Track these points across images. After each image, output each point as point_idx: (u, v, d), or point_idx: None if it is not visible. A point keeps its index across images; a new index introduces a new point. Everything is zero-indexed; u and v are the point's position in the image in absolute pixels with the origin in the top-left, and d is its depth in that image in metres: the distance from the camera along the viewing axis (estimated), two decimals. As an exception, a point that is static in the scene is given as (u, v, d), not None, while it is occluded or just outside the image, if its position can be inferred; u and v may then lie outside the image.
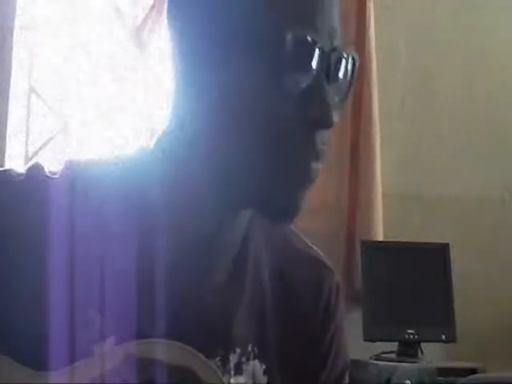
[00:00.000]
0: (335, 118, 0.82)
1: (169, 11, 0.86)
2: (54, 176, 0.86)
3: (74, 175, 0.86)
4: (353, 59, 0.85)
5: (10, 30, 2.84)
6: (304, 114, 0.81)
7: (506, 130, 3.48)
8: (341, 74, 0.84)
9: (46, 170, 0.86)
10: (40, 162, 0.88)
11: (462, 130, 3.44)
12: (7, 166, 2.81)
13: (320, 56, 0.81)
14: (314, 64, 0.80)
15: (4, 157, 2.87)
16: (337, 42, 0.84)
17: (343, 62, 0.84)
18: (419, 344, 2.99)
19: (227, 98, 0.82)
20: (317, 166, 0.83)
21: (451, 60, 3.45)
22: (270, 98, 0.81)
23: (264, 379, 0.90)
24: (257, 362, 0.90)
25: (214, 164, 0.84)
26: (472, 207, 3.40)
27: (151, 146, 0.88)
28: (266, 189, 0.83)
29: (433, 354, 3.04)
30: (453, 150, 3.43)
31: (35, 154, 3.05)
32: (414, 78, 3.41)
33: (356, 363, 2.81)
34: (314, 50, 0.80)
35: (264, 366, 0.90)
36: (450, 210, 3.37)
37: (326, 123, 0.82)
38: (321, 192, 3.21)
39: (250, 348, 0.89)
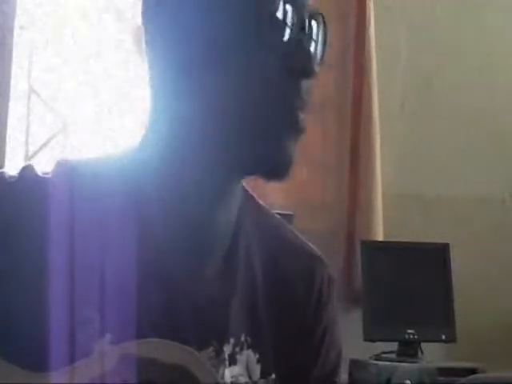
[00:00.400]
0: (316, 68, 0.86)
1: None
2: (46, 176, 0.86)
3: (65, 174, 0.87)
4: (323, 19, 0.90)
5: (10, 30, 2.84)
6: (288, 65, 0.85)
7: (506, 130, 3.48)
8: (315, 30, 0.89)
9: (39, 170, 0.87)
10: (36, 162, 0.88)
11: (462, 130, 3.44)
12: (7, 165, 2.81)
13: (297, 10, 0.86)
14: (292, 17, 0.85)
15: (4, 157, 2.87)
16: (308, 3, 0.89)
17: (315, 19, 0.89)
18: (419, 344, 2.99)
19: (213, 69, 0.85)
20: (303, 117, 0.87)
21: (451, 60, 3.45)
22: (255, 56, 0.84)
23: (257, 368, 0.91)
24: (250, 351, 0.90)
25: (203, 143, 0.86)
26: (472, 207, 3.40)
27: (139, 142, 0.90)
28: (258, 146, 0.85)
29: (433, 354, 3.04)
30: (453, 150, 3.43)
31: (35, 153, 3.05)
32: (414, 78, 3.41)
33: (356, 363, 2.82)
34: (292, 4, 0.85)
35: (258, 356, 0.91)
36: (450, 210, 3.37)
37: (309, 71, 0.86)
38: (321, 192, 3.21)
39: (243, 338, 0.90)
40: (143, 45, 0.89)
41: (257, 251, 0.94)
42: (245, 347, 0.90)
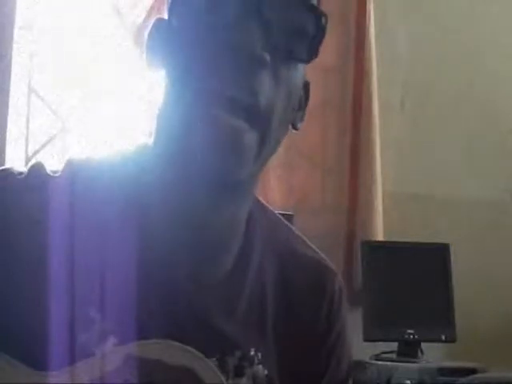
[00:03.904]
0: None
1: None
2: (55, 174, 0.86)
3: (74, 173, 0.87)
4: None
5: (10, 30, 2.84)
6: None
7: (507, 130, 3.48)
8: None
9: (48, 168, 0.87)
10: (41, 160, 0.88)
11: (462, 130, 3.44)
12: (7, 165, 2.80)
13: None
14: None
15: (4, 157, 2.87)
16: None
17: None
18: (419, 344, 2.99)
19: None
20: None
21: (451, 60, 3.45)
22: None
23: (264, 383, 0.90)
24: (260, 367, 0.90)
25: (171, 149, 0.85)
26: (472, 207, 3.40)
27: (148, 142, 0.90)
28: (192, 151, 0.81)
29: (433, 354, 3.04)
30: (453, 150, 3.43)
31: (35, 154, 3.04)
32: (414, 79, 3.41)
33: (356, 363, 2.81)
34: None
35: (266, 372, 0.90)
36: (450, 210, 3.37)
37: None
38: (321, 192, 3.21)
39: (252, 352, 0.89)
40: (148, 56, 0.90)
41: (267, 264, 0.94)
42: (255, 362, 0.89)
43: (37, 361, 0.80)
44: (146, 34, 0.90)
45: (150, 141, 0.90)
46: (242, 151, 0.81)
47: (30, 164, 0.88)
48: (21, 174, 0.86)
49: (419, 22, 3.43)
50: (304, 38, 0.85)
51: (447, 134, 3.43)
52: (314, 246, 1.00)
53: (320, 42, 0.86)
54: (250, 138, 0.81)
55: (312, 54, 0.86)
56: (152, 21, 0.90)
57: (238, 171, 0.81)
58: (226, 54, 0.80)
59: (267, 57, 0.80)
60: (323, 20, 0.85)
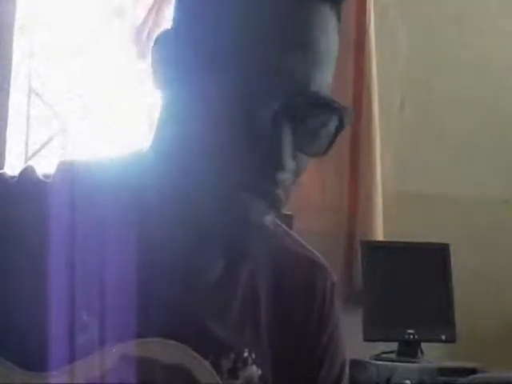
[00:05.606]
0: (289, 163, 0.81)
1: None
2: (46, 179, 0.86)
3: (66, 177, 0.86)
4: (340, 116, 0.84)
5: (10, 30, 2.84)
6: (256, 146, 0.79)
7: (507, 130, 3.48)
8: (313, 123, 0.83)
9: (40, 172, 0.86)
10: (36, 162, 0.88)
11: (463, 130, 3.44)
12: (7, 165, 2.81)
13: (280, 96, 0.79)
14: (273, 102, 0.79)
15: (4, 157, 2.87)
16: (316, 90, 0.83)
17: (320, 112, 0.83)
18: (419, 344, 2.99)
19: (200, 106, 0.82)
20: (273, 189, 0.80)
21: (451, 60, 3.45)
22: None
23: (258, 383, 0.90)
24: (254, 367, 0.89)
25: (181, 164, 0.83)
26: (472, 207, 3.40)
27: (147, 147, 0.88)
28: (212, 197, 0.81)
29: (433, 354, 3.04)
30: (453, 149, 3.43)
31: (35, 153, 3.05)
32: (414, 78, 3.41)
33: (356, 363, 2.81)
34: (274, 87, 0.79)
35: (260, 372, 0.90)
36: (450, 210, 3.37)
37: (276, 165, 0.80)
38: (321, 192, 3.21)
39: (246, 353, 0.89)
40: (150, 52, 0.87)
41: (260, 266, 0.93)
42: (248, 363, 0.89)
43: (36, 362, 0.80)
44: (145, 35, 0.88)
45: (149, 144, 0.88)
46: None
47: (21, 169, 0.87)
48: (12, 178, 0.85)
49: (419, 21, 3.43)
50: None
51: (447, 133, 3.43)
52: (307, 245, 1.00)
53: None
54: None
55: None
56: (152, 26, 0.88)
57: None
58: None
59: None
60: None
